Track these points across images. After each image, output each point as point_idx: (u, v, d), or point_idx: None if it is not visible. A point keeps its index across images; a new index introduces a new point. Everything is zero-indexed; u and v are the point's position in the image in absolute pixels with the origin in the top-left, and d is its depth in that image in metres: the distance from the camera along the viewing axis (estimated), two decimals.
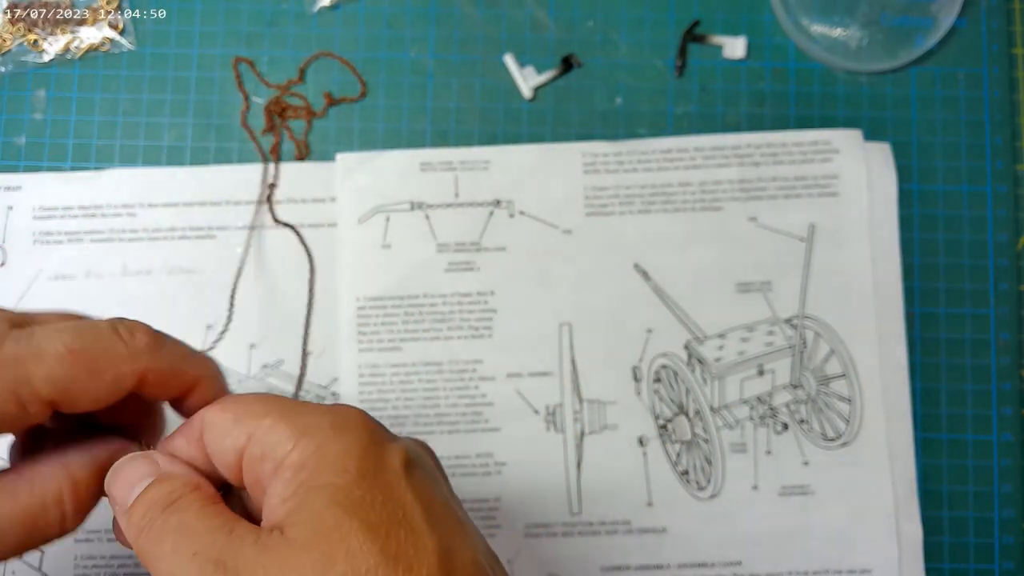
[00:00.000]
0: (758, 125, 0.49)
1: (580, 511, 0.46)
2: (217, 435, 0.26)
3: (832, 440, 0.46)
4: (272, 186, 0.48)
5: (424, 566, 0.23)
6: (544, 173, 0.48)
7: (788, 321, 0.47)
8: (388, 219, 0.48)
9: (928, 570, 0.45)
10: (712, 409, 0.46)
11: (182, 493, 0.25)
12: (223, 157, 0.49)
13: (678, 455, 0.46)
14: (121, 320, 0.28)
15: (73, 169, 0.48)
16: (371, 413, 0.27)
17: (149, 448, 0.29)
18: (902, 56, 0.49)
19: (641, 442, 0.46)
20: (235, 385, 0.46)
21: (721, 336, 0.47)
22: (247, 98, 0.48)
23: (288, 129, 0.49)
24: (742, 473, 0.46)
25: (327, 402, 0.36)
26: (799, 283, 0.47)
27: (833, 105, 0.49)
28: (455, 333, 0.47)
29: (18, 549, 0.26)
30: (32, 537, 0.26)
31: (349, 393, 0.46)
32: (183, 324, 0.47)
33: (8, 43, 0.49)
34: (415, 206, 0.48)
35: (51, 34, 0.49)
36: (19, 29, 0.49)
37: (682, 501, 0.46)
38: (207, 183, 0.48)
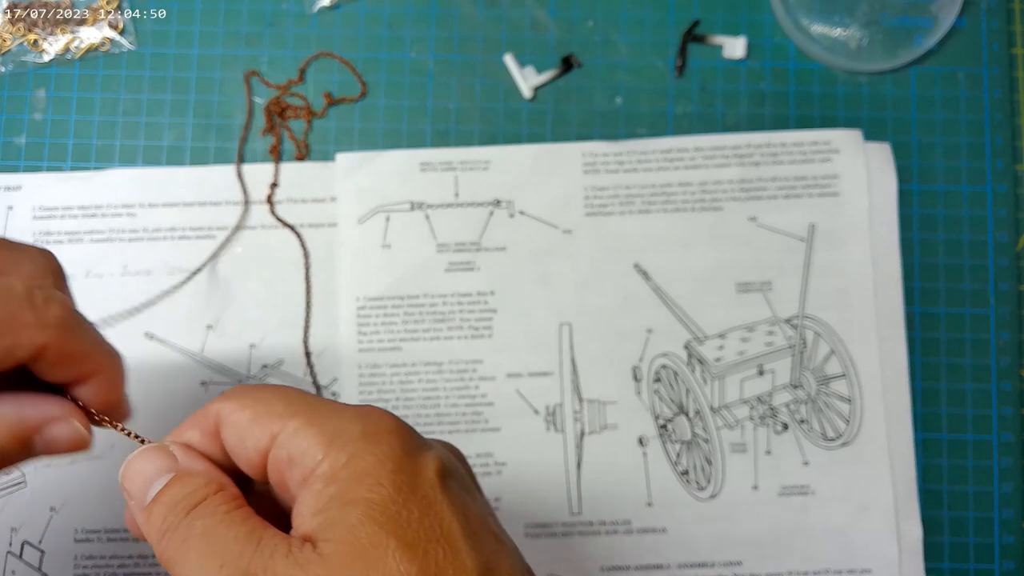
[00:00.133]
0: (758, 125, 0.49)
1: (580, 511, 0.46)
2: (237, 434, 0.25)
3: (832, 440, 0.46)
4: (273, 186, 0.48)
5: None
6: (544, 173, 0.48)
7: (788, 321, 0.47)
8: (388, 219, 0.48)
9: (928, 570, 0.45)
10: (712, 409, 0.46)
11: (205, 495, 0.24)
12: (223, 157, 0.49)
13: (678, 455, 0.46)
14: (41, 286, 0.26)
15: (73, 169, 0.48)
16: None
17: (98, 418, 0.27)
18: (902, 56, 0.49)
19: (641, 442, 0.46)
20: (235, 385, 0.46)
21: (721, 336, 0.47)
22: (251, 112, 0.48)
23: (288, 129, 0.49)
24: (742, 473, 0.46)
25: None
26: (799, 283, 0.47)
27: (833, 105, 0.49)
28: (455, 333, 0.47)
29: None
30: None
31: (349, 393, 0.46)
32: (183, 324, 0.47)
33: (8, 43, 0.49)
34: (415, 206, 0.48)
35: (51, 34, 0.49)
36: (19, 29, 0.49)
37: (682, 501, 0.46)
38: (207, 183, 0.48)
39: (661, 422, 0.47)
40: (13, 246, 0.28)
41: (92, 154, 0.49)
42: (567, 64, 0.49)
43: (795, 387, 0.47)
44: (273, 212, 0.48)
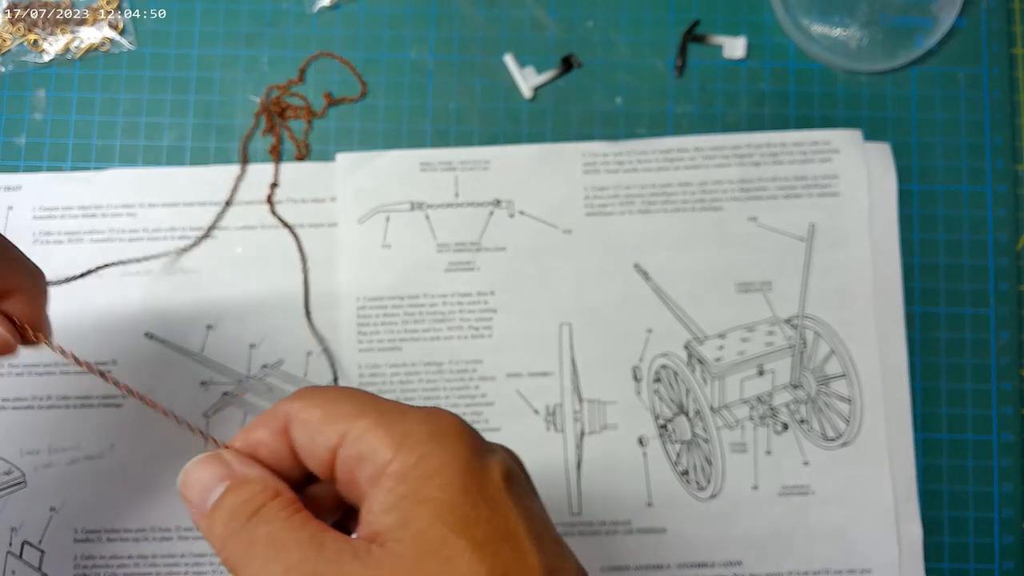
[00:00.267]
0: (758, 125, 0.49)
1: (580, 511, 0.46)
2: (308, 432, 0.26)
3: (832, 440, 0.46)
4: (273, 186, 0.48)
5: None
6: (544, 173, 0.48)
7: (788, 321, 0.47)
8: (388, 219, 0.48)
9: (928, 570, 0.45)
10: (712, 409, 0.46)
11: (264, 501, 0.25)
12: (223, 157, 0.49)
13: (678, 455, 0.46)
14: None
15: (73, 169, 0.48)
16: None
17: (21, 328, 0.29)
18: (902, 56, 0.49)
19: (641, 442, 0.46)
20: (235, 385, 0.46)
21: (721, 336, 0.47)
22: (257, 124, 0.48)
23: (288, 129, 0.49)
24: (742, 473, 0.46)
25: None
26: (799, 283, 0.47)
27: (833, 105, 0.49)
28: (455, 333, 0.47)
29: None
30: None
31: None
32: (183, 324, 0.47)
33: (8, 43, 0.49)
34: (415, 206, 0.48)
35: (51, 34, 0.49)
36: (19, 29, 0.49)
37: (682, 501, 0.46)
38: (207, 183, 0.48)
39: (661, 422, 0.47)
40: None
41: (92, 154, 0.49)
42: (567, 64, 0.49)
43: (795, 387, 0.47)
44: (273, 212, 0.48)
